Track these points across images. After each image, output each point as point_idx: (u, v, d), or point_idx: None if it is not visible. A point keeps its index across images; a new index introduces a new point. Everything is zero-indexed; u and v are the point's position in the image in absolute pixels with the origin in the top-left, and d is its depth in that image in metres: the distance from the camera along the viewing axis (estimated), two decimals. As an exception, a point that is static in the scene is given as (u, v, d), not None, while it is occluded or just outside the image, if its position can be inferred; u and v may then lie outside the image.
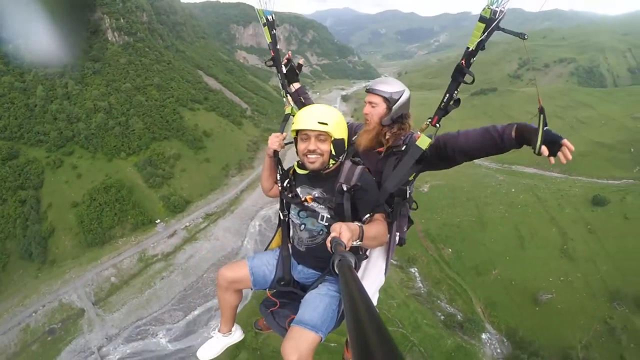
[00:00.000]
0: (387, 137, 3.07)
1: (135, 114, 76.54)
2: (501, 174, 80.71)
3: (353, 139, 3.25)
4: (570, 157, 2.22)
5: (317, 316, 2.64)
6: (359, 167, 2.87)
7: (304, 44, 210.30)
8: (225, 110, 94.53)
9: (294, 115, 3.20)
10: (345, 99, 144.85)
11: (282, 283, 3.23)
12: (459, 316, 48.11)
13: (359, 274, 3.05)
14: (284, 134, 3.24)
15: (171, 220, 63.51)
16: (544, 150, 2.24)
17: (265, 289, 3.33)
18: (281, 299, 3.20)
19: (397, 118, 3.04)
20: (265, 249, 3.47)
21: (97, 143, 69.40)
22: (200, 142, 79.57)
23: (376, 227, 2.62)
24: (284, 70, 3.49)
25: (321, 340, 2.58)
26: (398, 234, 3.20)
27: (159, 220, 62.44)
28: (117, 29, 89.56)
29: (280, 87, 3.53)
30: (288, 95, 3.53)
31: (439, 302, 51.04)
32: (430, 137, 2.74)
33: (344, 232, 2.10)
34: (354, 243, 2.24)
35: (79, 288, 50.40)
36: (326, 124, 2.72)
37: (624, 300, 44.83)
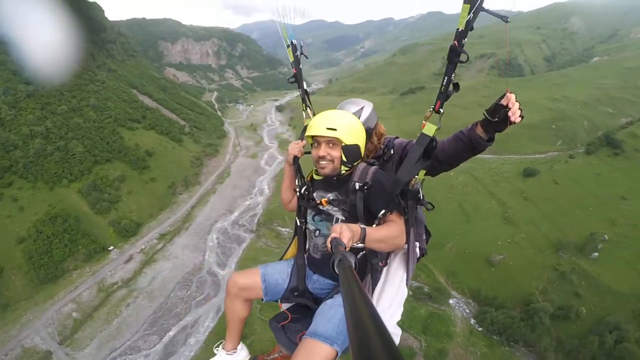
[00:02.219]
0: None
1: (74, 137, 75.43)
2: None
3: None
4: (516, 114, 2.49)
5: (332, 327, 2.57)
6: (373, 167, 2.95)
7: (234, 58, 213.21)
8: (164, 128, 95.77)
9: None
10: (280, 109, 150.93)
11: (295, 293, 3.21)
12: (425, 289, 54.56)
13: (379, 285, 3.03)
14: (304, 141, 3.36)
15: (125, 245, 63.59)
16: (517, 119, 2.49)
17: (277, 300, 3.32)
18: (293, 313, 3.20)
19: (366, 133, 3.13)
20: (280, 259, 3.50)
21: (36, 171, 67.51)
22: (144, 161, 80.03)
23: (386, 229, 2.62)
24: (305, 86, 3.67)
25: (337, 355, 2.49)
26: (417, 243, 3.20)
27: (112, 247, 62.26)
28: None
29: (301, 101, 3.67)
30: (308, 108, 3.64)
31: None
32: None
33: (344, 232, 2.13)
34: (355, 244, 2.28)
35: (41, 329, 48.71)
36: (335, 130, 2.80)
37: (567, 248, 54.46)
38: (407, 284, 3.12)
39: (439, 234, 63.30)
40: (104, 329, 48.78)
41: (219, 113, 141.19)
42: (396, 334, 3.07)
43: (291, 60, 3.57)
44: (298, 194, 3.26)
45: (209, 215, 73.17)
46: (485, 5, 2.37)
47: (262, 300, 3.23)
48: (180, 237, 66.73)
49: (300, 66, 3.64)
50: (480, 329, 49.42)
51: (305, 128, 3.36)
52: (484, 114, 2.66)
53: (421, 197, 2.98)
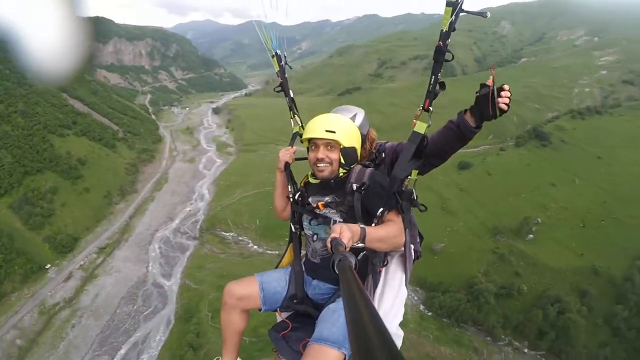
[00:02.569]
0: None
1: (2, 147, 70.57)
2: None
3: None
4: (505, 101, 2.63)
5: (338, 331, 2.55)
6: (369, 169, 2.99)
7: (168, 59, 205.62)
8: (96, 134, 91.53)
9: (301, 134, 3.37)
10: (216, 111, 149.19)
11: (295, 301, 3.19)
12: None
13: (379, 286, 3.05)
14: (294, 147, 3.45)
15: (62, 262, 60.26)
16: (503, 106, 2.59)
17: (276, 310, 3.29)
18: (293, 322, 3.17)
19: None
20: (276, 267, 3.49)
21: (-37, 186, 61.70)
22: (77, 170, 76.07)
23: (385, 229, 2.65)
24: (292, 95, 3.72)
25: (345, 358, 2.48)
26: (412, 245, 3.23)
27: (49, 265, 58.72)
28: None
29: (289, 109, 3.68)
30: (296, 116, 3.65)
31: None
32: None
33: (344, 232, 2.15)
34: (356, 244, 2.29)
35: (-16, 362, 45.00)
36: (334, 132, 2.84)
37: (504, 233, 59.85)
38: (406, 285, 3.17)
39: None
40: (51, 354, 45.92)
41: (153, 117, 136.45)
42: (398, 335, 3.10)
43: (276, 70, 3.65)
44: (292, 200, 3.27)
45: (148, 225, 71.17)
46: (463, 7, 2.58)
47: (260, 310, 3.19)
48: (120, 250, 64.36)
49: (286, 75, 3.72)
50: (429, 313, 53.12)
51: (294, 135, 3.55)
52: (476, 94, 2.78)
53: (415, 198, 3.00)
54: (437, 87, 2.85)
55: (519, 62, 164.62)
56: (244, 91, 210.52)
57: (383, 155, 3.36)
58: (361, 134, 3.22)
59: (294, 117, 3.66)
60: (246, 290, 3.12)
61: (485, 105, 2.67)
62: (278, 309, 3.29)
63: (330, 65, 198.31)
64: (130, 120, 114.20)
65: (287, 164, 3.39)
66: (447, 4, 2.54)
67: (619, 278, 52.74)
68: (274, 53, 3.60)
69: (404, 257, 3.14)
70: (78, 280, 57.03)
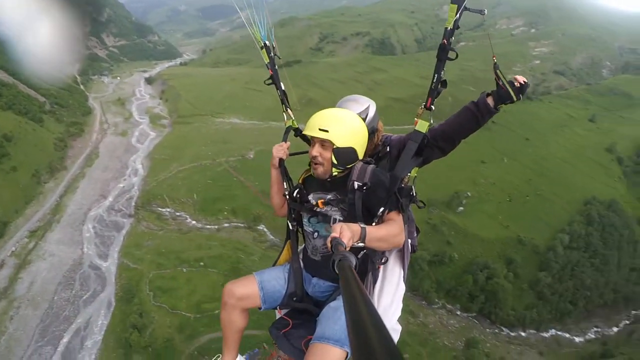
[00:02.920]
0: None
1: None
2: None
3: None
4: (522, 78, 2.85)
5: (340, 329, 2.60)
6: (371, 166, 2.94)
7: (99, 24, 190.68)
8: (22, 107, 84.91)
9: (294, 128, 3.50)
10: (149, 81, 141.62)
11: (294, 299, 3.20)
12: None
13: (378, 283, 3.09)
14: (288, 143, 3.39)
15: (-7, 250, 56.09)
16: (519, 85, 2.78)
17: (275, 308, 3.31)
18: (294, 319, 3.18)
19: (370, 134, 3.17)
20: (274, 265, 3.47)
21: None
22: (3, 148, 70.48)
23: (386, 228, 2.67)
24: (283, 87, 3.67)
25: (347, 356, 2.52)
26: (410, 240, 3.29)
27: (-22, 254, 54.21)
28: None
29: (281, 103, 3.66)
30: (288, 109, 3.62)
31: None
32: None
33: (345, 232, 2.18)
34: (356, 244, 2.32)
35: None
36: (326, 131, 2.77)
37: (436, 205, 64.41)
38: (404, 281, 3.24)
39: None
40: (-7, 351, 43.46)
41: (82, 87, 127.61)
42: (397, 329, 3.21)
43: (266, 62, 3.61)
44: (288, 197, 3.26)
45: (80, 204, 68.17)
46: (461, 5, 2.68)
47: (260, 308, 3.21)
48: (52, 232, 61.27)
49: (276, 67, 3.66)
50: None
51: (288, 129, 3.54)
52: (496, 80, 2.93)
53: (414, 195, 3.05)
54: (439, 85, 2.98)
55: (457, 45, 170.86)
56: (178, 60, 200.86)
57: (388, 149, 3.40)
58: (373, 128, 3.32)
59: (287, 110, 3.67)
60: (246, 290, 3.12)
61: (506, 89, 2.86)
62: (278, 307, 3.30)
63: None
64: (57, 91, 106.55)
65: (281, 161, 3.38)
66: (453, 1, 2.66)
67: (543, 248, 60.25)
68: (262, 44, 3.60)
69: (401, 253, 3.25)
70: (11, 268, 53.87)
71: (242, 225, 64.99)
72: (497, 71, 2.88)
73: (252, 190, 71.79)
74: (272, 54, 3.62)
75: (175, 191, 69.93)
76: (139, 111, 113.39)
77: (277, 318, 3.35)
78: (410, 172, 3.07)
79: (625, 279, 62.42)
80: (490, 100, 2.94)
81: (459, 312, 55.06)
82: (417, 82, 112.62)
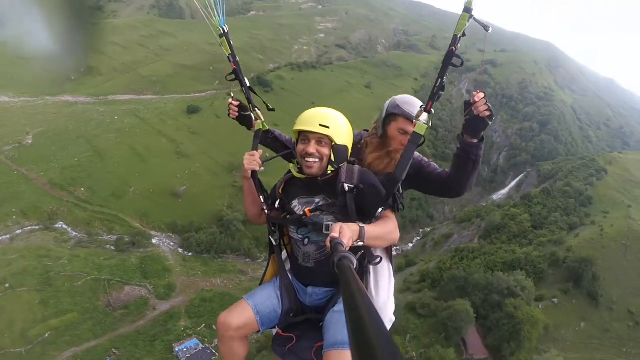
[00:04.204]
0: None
1: None
2: (100, 106, 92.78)
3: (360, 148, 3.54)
4: (481, 106, 2.82)
5: None
6: (357, 166, 3.04)
7: None
8: None
9: (264, 131, 3.49)
10: None
11: (292, 315, 3.19)
12: (126, 238, 58.81)
13: (372, 279, 3.20)
14: (259, 151, 3.28)
15: None
16: (485, 114, 2.82)
17: (274, 327, 3.26)
18: (294, 332, 3.16)
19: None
20: (260, 283, 3.42)
21: None
22: None
23: (382, 226, 2.79)
24: (248, 83, 3.51)
25: None
26: None
27: None
28: None
29: (247, 102, 3.51)
30: (256, 109, 3.51)
31: (101, 237, 59.61)
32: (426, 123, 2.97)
33: (344, 231, 2.25)
34: (355, 243, 2.39)
35: None
36: (327, 127, 2.81)
37: (239, 168, 68.69)
38: (393, 273, 3.38)
39: (118, 180, 66.84)
40: None
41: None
42: (392, 320, 3.41)
43: (227, 54, 3.36)
44: (267, 211, 3.18)
45: None
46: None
47: (259, 332, 3.20)
48: None
49: (237, 59, 3.43)
50: (190, 254, 59.75)
51: (257, 133, 3.46)
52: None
53: (401, 196, 3.15)
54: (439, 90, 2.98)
55: (248, 14, 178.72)
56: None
57: (359, 146, 3.50)
58: None
59: (254, 111, 3.52)
60: (242, 319, 3.04)
61: (471, 120, 2.92)
62: (276, 327, 3.23)
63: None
64: None
65: (254, 172, 3.23)
66: (465, 10, 2.68)
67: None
68: (221, 31, 3.31)
69: (387, 247, 3.31)
70: None
71: (37, 227, 58.80)
72: (465, 112, 2.98)
73: (39, 183, 64.88)
74: (232, 43, 3.35)
75: None
76: None
77: (274, 334, 3.27)
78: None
79: (407, 206, 78.87)
80: (468, 137, 3.01)
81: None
82: (207, 49, 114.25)
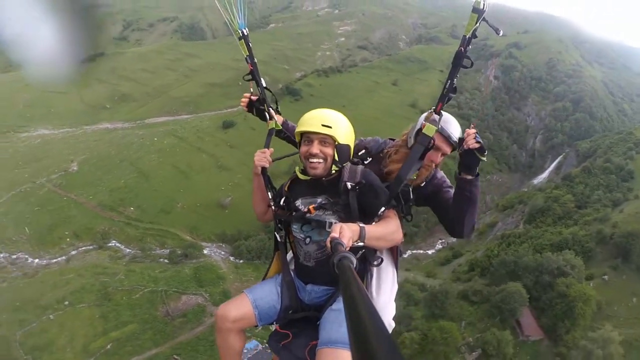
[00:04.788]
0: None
1: None
2: (138, 130, 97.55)
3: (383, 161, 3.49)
4: (470, 140, 2.92)
5: (346, 332, 1.88)
6: (360, 167, 3.06)
7: None
8: None
9: (277, 130, 3.57)
10: None
11: (290, 312, 3.23)
12: (178, 251, 61.68)
13: (374, 281, 3.21)
14: (271, 149, 3.35)
15: None
16: (474, 145, 2.90)
17: (272, 323, 3.33)
18: (291, 329, 3.21)
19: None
20: (263, 278, 3.49)
21: None
22: None
23: (383, 226, 2.79)
24: (264, 84, 3.61)
25: None
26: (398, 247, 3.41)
27: None
28: None
29: (261, 102, 3.61)
30: (270, 109, 3.62)
31: (154, 252, 62.82)
32: (435, 124, 3.02)
33: (344, 231, 2.24)
34: (356, 243, 2.39)
35: None
36: (330, 127, 2.87)
37: (274, 175, 74.75)
38: (397, 280, 3.36)
39: (165, 197, 71.03)
40: None
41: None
42: (392, 326, 3.35)
43: (245, 55, 3.53)
44: (274, 208, 3.27)
45: None
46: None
47: (257, 326, 3.29)
48: None
49: (255, 60, 3.59)
50: (241, 261, 62.20)
51: (270, 132, 3.55)
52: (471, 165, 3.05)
53: (411, 201, 3.25)
54: (448, 91, 3.02)
55: (267, 27, 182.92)
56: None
57: (364, 151, 3.54)
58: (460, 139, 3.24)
59: (268, 110, 3.64)
60: (240, 311, 3.11)
61: (464, 154, 3.01)
62: (274, 322, 3.31)
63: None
64: None
65: (264, 169, 3.34)
66: (474, 10, 2.71)
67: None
68: (241, 34, 3.49)
69: (393, 254, 3.36)
70: None
71: (91, 247, 61.93)
72: (458, 150, 3.13)
73: (89, 206, 68.74)
74: (251, 45, 3.55)
75: (1, 231, 62.03)
76: None
77: (273, 330, 3.37)
78: (412, 175, 3.15)
79: None
80: (463, 174, 3.10)
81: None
82: (233, 66, 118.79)
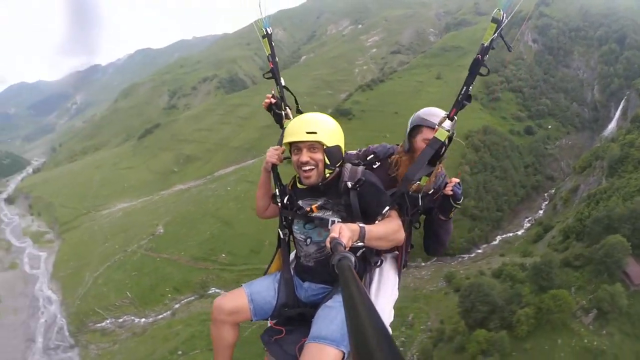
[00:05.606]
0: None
1: None
2: (211, 184, 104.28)
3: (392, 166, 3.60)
4: (447, 188, 3.37)
5: (336, 329, 2.68)
6: (361, 167, 3.16)
7: None
8: None
9: None
10: (10, 200, 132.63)
11: (286, 309, 3.29)
12: None
13: (374, 285, 3.26)
14: (283, 147, 3.36)
15: None
16: (448, 192, 3.27)
17: (267, 319, 3.41)
18: (286, 325, 3.26)
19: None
20: (265, 273, 3.59)
21: None
22: None
23: (384, 226, 2.84)
24: (283, 82, 3.73)
25: (344, 357, 2.60)
26: (402, 255, 3.52)
27: None
28: None
29: (279, 99, 3.70)
30: (287, 107, 3.69)
31: None
32: (448, 130, 3.11)
33: (344, 231, 2.28)
34: (355, 243, 2.43)
35: None
36: (315, 133, 2.90)
37: None
38: (398, 288, 3.44)
39: (252, 239, 74.26)
40: None
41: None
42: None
43: (268, 54, 3.70)
44: (280, 204, 3.37)
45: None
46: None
47: (251, 320, 3.36)
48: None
49: (277, 59, 3.76)
50: None
51: (284, 131, 3.48)
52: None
53: (419, 208, 3.41)
54: (464, 99, 3.09)
55: (300, 60, 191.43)
56: (29, 168, 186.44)
57: (372, 156, 3.69)
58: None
59: (285, 109, 3.75)
60: (235, 304, 3.23)
61: (441, 199, 3.46)
62: (269, 319, 3.42)
63: (118, 111, 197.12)
64: None
65: (274, 166, 3.45)
66: (493, 20, 2.78)
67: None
68: (265, 32, 3.69)
69: (397, 261, 3.50)
70: None
71: (192, 298, 66.04)
72: (437, 195, 3.46)
73: (182, 261, 73.87)
74: (273, 44, 3.74)
75: (104, 299, 67.84)
76: (16, 235, 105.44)
77: (267, 326, 3.46)
78: (420, 180, 3.23)
79: (523, 175, 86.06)
80: (440, 215, 3.56)
81: (423, 264, 66.15)
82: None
